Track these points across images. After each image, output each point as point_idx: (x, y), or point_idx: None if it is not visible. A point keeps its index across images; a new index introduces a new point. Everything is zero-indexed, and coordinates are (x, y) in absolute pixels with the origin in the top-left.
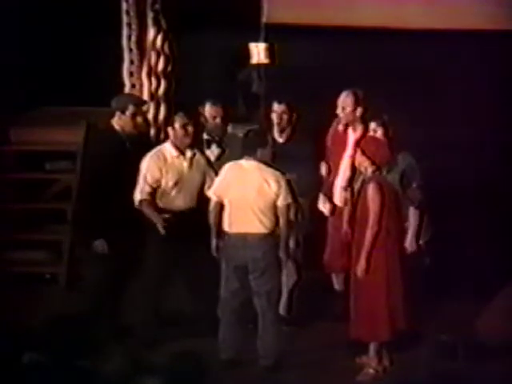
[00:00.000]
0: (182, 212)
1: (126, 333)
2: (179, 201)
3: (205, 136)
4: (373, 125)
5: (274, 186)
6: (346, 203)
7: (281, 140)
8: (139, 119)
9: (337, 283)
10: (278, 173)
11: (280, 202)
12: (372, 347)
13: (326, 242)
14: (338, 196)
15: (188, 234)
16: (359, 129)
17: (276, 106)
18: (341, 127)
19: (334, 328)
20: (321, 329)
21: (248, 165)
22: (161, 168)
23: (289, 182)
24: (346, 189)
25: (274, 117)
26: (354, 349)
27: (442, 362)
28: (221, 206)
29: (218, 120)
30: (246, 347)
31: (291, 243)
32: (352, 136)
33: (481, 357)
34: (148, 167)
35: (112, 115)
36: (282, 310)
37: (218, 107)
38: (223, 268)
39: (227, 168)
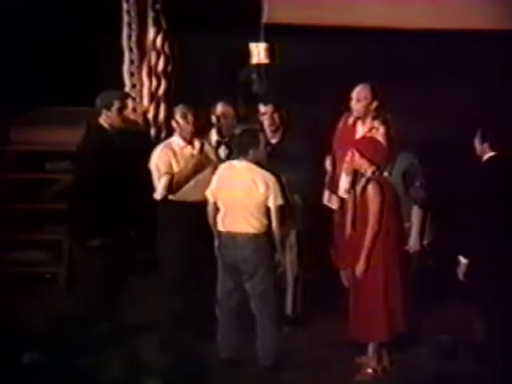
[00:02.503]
0: (198, 205)
1: (126, 333)
2: (194, 193)
3: (214, 136)
4: (375, 123)
5: (261, 187)
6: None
7: (274, 140)
8: (126, 113)
9: (345, 280)
10: (267, 173)
11: (271, 204)
12: (370, 347)
13: (332, 239)
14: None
15: (203, 229)
16: (369, 123)
17: (263, 108)
18: (351, 121)
19: (333, 328)
20: (321, 329)
21: (239, 165)
22: (170, 160)
23: (280, 183)
24: (348, 191)
25: (265, 118)
26: (354, 348)
27: (442, 362)
28: (216, 206)
29: (228, 119)
30: (247, 347)
31: (293, 242)
32: (361, 130)
33: (481, 357)
34: (157, 162)
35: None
36: (287, 310)
37: (229, 106)
38: (219, 268)
39: (221, 168)
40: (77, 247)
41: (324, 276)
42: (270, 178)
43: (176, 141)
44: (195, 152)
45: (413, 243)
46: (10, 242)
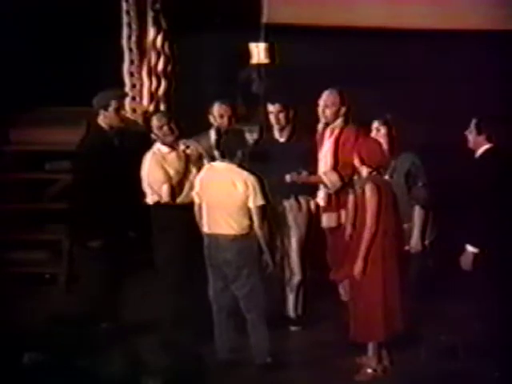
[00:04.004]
0: (191, 206)
1: (126, 333)
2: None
3: (213, 136)
4: (376, 123)
5: (240, 188)
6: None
7: (282, 139)
8: (125, 113)
9: (344, 295)
10: (247, 174)
11: (251, 204)
12: (370, 347)
13: (328, 252)
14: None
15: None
16: (338, 129)
17: (271, 107)
18: (320, 126)
19: (333, 328)
20: (321, 329)
21: (219, 166)
22: (164, 165)
23: (260, 183)
24: (348, 187)
25: (272, 117)
26: (354, 348)
27: (442, 361)
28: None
29: (225, 119)
30: (247, 346)
31: (294, 242)
32: (328, 135)
33: (481, 357)
34: (152, 172)
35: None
36: (288, 311)
37: (226, 106)
38: (207, 268)
39: (204, 169)
40: (77, 247)
41: (324, 276)
42: (250, 178)
43: (160, 147)
44: (180, 156)
45: (414, 244)
46: (10, 241)
